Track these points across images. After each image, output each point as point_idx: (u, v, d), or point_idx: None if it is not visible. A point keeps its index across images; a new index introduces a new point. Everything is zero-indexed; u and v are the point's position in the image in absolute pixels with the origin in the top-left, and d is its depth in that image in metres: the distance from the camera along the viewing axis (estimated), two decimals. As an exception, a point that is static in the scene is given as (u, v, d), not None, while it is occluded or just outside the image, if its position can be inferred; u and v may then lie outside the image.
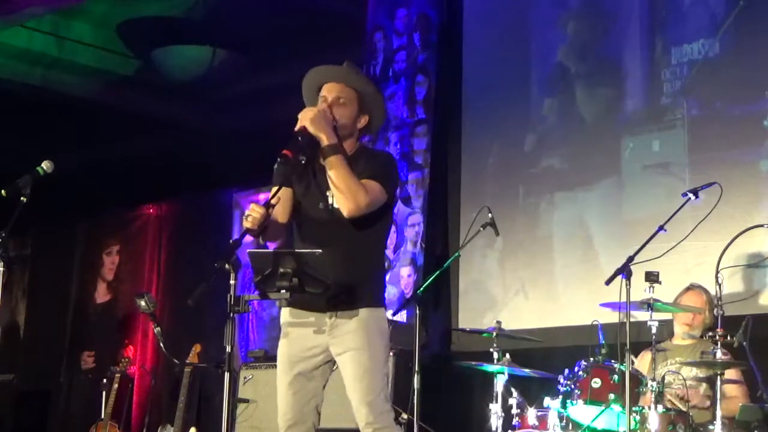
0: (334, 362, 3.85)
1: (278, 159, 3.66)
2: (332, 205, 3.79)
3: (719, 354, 4.59)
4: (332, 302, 3.75)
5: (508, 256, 6.78)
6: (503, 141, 7.04)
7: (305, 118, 3.69)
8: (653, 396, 4.62)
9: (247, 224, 3.60)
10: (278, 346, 3.90)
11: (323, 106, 3.78)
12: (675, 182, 6.00)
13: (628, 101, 6.41)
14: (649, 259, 4.61)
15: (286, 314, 3.88)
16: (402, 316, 6.39)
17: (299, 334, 3.82)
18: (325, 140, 3.67)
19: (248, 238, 3.66)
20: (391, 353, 5.48)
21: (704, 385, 5.12)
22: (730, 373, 4.97)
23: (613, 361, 4.79)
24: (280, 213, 3.85)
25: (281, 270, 3.49)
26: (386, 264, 4.19)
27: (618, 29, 6.52)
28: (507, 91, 7.08)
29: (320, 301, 3.73)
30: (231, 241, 3.47)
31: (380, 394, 3.75)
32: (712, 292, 4.96)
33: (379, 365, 3.77)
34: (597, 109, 6.56)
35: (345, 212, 3.69)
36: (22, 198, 4.26)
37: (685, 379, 5.05)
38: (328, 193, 3.79)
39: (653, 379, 4.68)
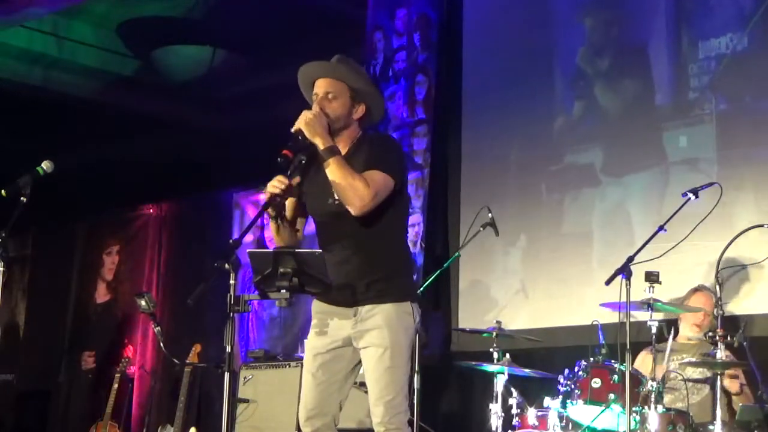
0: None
1: (278, 159, 3.67)
2: (340, 201, 3.79)
3: (720, 354, 4.59)
4: (356, 297, 3.76)
5: (509, 256, 6.77)
6: (504, 140, 7.03)
7: (301, 122, 3.71)
8: (653, 396, 4.62)
9: (272, 189, 3.64)
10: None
11: (316, 109, 3.80)
12: (703, 179, 5.73)
13: (653, 96, 6.28)
14: (649, 259, 4.61)
15: (316, 306, 3.91)
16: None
17: (325, 328, 3.84)
18: (320, 144, 3.70)
19: (248, 238, 3.67)
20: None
21: (706, 391, 5.12)
22: (732, 375, 4.97)
23: (613, 361, 4.79)
24: (288, 211, 3.88)
25: (281, 270, 3.50)
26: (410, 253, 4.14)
27: (643, 23, 6.40)
28: (507, 91, 7.07)
29: (346, 294, 3.75)
30: (231, 241, 3.47)
31: (399, 394, 3.73)
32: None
33: (400, 363, 3.75)
34: (622, 104, 6.42)
35: (353, 211, 3.70)
36: (22, 198, 4.26)
37: (686, 380, 5.05)
38: (334, 190, 3.80)
39: (653, 379, 4.68)
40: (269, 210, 3.75)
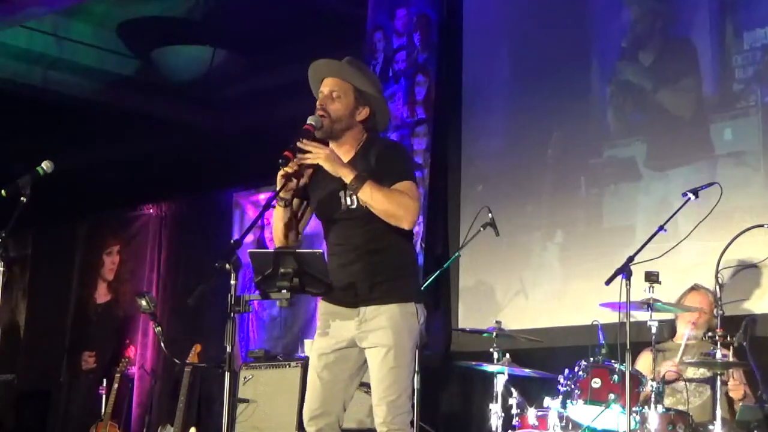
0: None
1: (279, 160, 3.69)
2: (349, 204, 3.82)
3: (719, 354, 4.59)
4: (360, 298, 3.78)
5: (509, 256, 6.77)
6: (504, 140, 7.03)
7: (320, 159, 3.72)
8: (653, 396, 4.62)
9: (288, 169, 3.69)
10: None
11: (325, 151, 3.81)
12: (749, 173, 5.70)
13: (698, 88, 6.12)
14: (649, 259, 4.61)
15: (321, 306, 3.93)
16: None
17: (330, 328, 3.86)
18: (347, 176, 3.72)
19: (249, 238, 3.68)
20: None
21: (707, 393, 5.11)
22: (734, 376, 4.97)
23: (613, 361, 4.79)
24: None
25: (282, 270, 3.50)
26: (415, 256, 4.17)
27: (686, 13, 6.23)
28: (507, 91, 7.07)
29: (350, 296, 3.78)
30: (232, 241, 3.48)
31: (402, 395, 3.75)
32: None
33: (404, 364, 3.77)
34: (666, 96, 6.23)
35: (406, 226, 3.76)
36: (22, 198, 4.25)
37: (686, 381, 5.05)
38: (341, 194, 3.82)
39: (653, 379, 4.68)
40: (282, 193, 3.76)
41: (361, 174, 3.73)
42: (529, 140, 6.86)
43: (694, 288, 5.41)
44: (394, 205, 3.72)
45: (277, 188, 3.77)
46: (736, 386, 4.96)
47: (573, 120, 6.65)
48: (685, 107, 6.18)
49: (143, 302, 4.02)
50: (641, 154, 6.29)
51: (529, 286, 6.65)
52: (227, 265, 3.36)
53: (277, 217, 3.90)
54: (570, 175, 6.61)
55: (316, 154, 3.72)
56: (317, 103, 3.86)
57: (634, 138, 6.37)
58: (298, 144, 3.71)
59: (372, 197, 3.71)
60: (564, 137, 6.69)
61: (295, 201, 3.90)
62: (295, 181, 3.77)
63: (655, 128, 6.29)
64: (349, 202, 3.81)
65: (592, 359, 4.90)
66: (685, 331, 5.41)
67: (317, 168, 3.82)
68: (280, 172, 3.73)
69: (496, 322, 5.55)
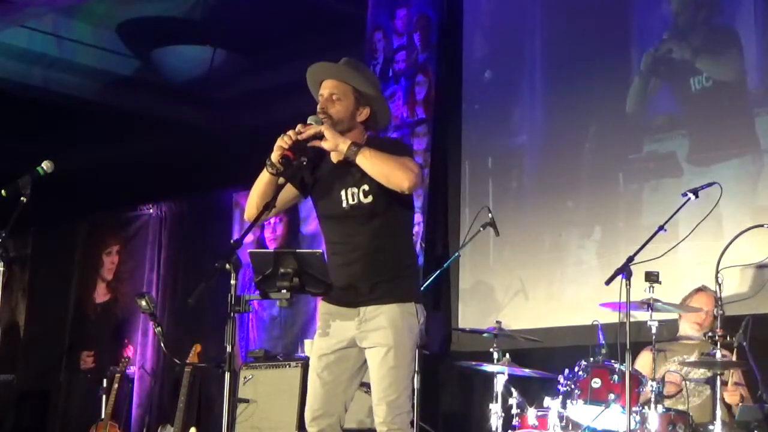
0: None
1: (281, 159, 3.70)
2: (351, 202, 3.81)
3: (719, 354, 4.59)
4: (361, 298, 3.78)
5: (508, 256, 6.77)
6: (502, 140, 7.03)
7: (322, 128, 3.72)
8: (653, 396, 4.62)
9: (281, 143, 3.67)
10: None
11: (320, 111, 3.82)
12: None
13: (744, 80, 5.97)
14: (649, 259, 4.61)
15: (322, 307, 3.93)
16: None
17: (330, 328, 3.86)
18: (345, 143, 3.71)
19: (248, 238, 3.68)
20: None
21: (707, 393, 5.11)
22: (733, 376, 4.97)
23: (613, 361, 4.79)
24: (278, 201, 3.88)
25: (282, 270, 3.51)
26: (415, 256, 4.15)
27: (730, 2, 6.10)
28: (507, 90, 7.07)
29: (350, 296, 3.78)
30: (232, 241, 3.48)
31: (402, 395, 3.76)
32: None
33: (404, 363, 3.77)
34: (710, 89, 6.07)
35: (407, 185, 3.68)
36: (22, 198, 4.26)
37: (686, 380, 5.05)
38: (343, 192, 3.82)
39: (653, 379, 4.68)
40: (274, 159, 3.74)
41: (355, 142, 3.73)
42: (566, 136, 6.72)
43: (701, 289, 5.40)
44: (391, 165, 3.68)
45: (272, 154, 3.74)
46: (733, 391, 4.95)
47: (611, 115, 6.51)
48: (728, 100, 6.04)
49: (143, 302, 4.02)
50: (683, 148, 6.16)
51: (529, 285, 6.62)
52: (227, 265, 3.36)
53: (262, 180, 3.87)
54: (608, 171, 6.47)
55: (318, 127, 3.72)
56: (318, 106, 3.86)
57: (675, 132, 6.23)
58: (298, 127, 3.70)
59: (371, 159, 3.68)
60: (602, 133, 6.56)
61: (282, 179, 3.86)
62: (291, 152, 3.71)
63: (698, 122, 6.14)
64: (350, 200, 3.81)
65: (592, 359, 4.90)
66: (688, 332, 5.42)
67: (319, 167, 3.82)
68: (279, 141, 3.70)
69: (496, 322, 5.56)
